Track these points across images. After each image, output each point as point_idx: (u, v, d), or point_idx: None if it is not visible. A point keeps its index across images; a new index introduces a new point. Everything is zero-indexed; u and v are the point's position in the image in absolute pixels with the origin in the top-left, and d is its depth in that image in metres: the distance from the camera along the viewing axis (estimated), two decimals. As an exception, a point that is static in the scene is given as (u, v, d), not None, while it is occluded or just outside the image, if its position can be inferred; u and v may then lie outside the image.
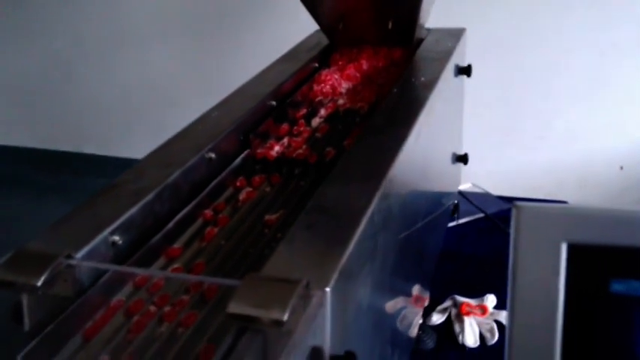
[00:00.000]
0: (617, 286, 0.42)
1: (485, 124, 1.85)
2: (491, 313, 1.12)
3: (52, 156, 2.56)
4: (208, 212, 0.66)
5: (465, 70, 1.04)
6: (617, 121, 1.77)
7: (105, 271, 0.53)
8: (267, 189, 0.72)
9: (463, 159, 1.08)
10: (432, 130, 0.81)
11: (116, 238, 0.55)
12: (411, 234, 0.73)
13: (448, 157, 1.03)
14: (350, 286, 0.50)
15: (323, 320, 0.44)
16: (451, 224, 1.39)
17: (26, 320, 0.49)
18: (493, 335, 1.08)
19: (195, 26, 2.15)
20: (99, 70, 2.35)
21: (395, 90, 0.81)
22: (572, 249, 0.43)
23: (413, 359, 1.06)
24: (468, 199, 1.34)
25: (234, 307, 0.42)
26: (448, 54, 0.94)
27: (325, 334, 0.45)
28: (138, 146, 0.65)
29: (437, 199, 0.95)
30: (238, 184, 0.72)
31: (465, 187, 1.57)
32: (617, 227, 0.42)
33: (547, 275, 0.43)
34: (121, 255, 0.56)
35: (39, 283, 0.47)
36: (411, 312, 0.75)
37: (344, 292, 0.48)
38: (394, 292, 0.66)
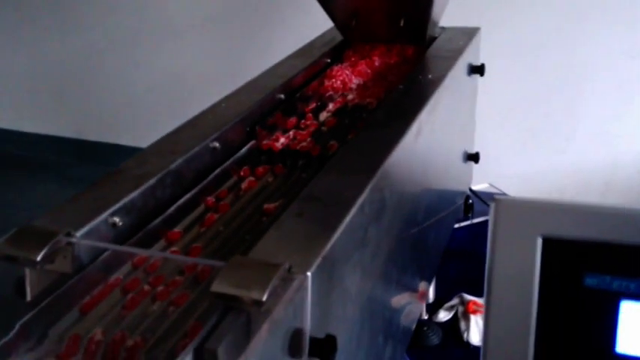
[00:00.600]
0: (591, 281, 0.42)
1: (509, 126, 1.84)
2: None
3: (81, 145, 2.63)
4: (210, 199, 0.68)
5: (478, 69, 1.04)
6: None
7: (103, 251, 0.55)
8: (270, 179, 0.73)
9: (474, 157, 1.09)
10: (436, 127, 0.82)
11: (116, 219, 0.57)
12: (410, 228, 0.74)
13: (458, 155, 1.04)
14: (335, 273, 0.51)
15: (303, 303, 0.46)
16: (465, 223, 1.40)
17: (28, 293, 0.52)
18: (498, 334, 1.09)
19: (224, 21, 2.18)
20: (129, 62, 2.40)
21: (401, 86, 0.82)
22: (547, 243, 0.43)
23: (417, 355, 1.07)
24: (480, 198, 1.34)
25: (218, 287, 0.44)
26: (459, 52, 0.95)
27: (305, 316, 0.46)
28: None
29: (443, 196, 0.95)
30: (242, 173, 0.74)
31: (481, 187, 1.57)
32: (591, 222, 0.42)
33: (523, 268, 0.44)
34: (121, 236, 0.58)
35: (38, 258, 0.49)
36: (409, 306, 0.76)
37: (327, 278, 0.49)
38: (388, 284, 0.67)
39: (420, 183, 0.78)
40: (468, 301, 1.14)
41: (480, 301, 1.14)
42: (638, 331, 0.42)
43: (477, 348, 1.08)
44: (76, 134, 2.65)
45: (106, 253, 0.55)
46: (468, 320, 1.11)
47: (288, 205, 0.67)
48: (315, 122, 0.84)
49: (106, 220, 0.57)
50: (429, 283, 1.04)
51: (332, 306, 0.51)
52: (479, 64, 1.04)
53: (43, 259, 0.50)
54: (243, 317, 0.44)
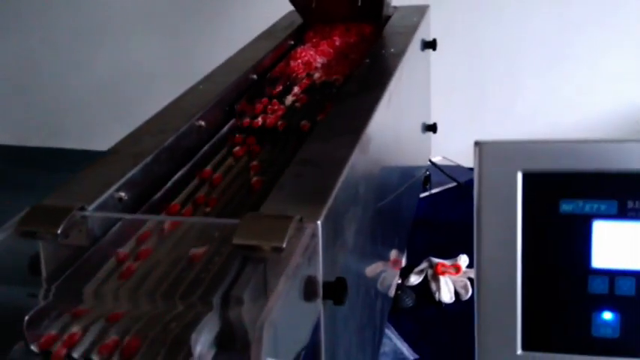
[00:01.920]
0: (566, 206, 0.49)
1: (454, 100, 1.93)
2: (465, 272, 1.20)
3: (23, 152, 2.56)
4: (207, 171, 0.72)
5: (431, 44, 1.10)
6: (583, 95, 1.86)
7: (114, 224, 0.58)
8: (252, 156, 0.78)
9: (432, 128, 1.15)
10: (401, 98, 0.87)
11: (122, 194, 0.60)
12: (387, 195, 0.80)
13: (418, 127, 1.10)
14: (337, 223, 0.56)
15: (316, 250, 0.50)
16: (424, 194, 1.47)
17: (43, 269, 0.55)
18: (467, 291, 1.16)
19: (168, 16, 2.18)
20: (71, 64, 2.36)
21: (367, 60, 0.87)
22: (526, 177, 0.50)
23: (395, 317, 1.13)
24: (439, 169, 1.41)
25: (238, 239, 0.48)
26: (414, 29, 1.01)
27: (318, 262, 0.51)
28: (115, 138, 0.69)
29: (410, 165, 1.02)
30: (227, 150, 0.78)
31: (435, 159, 1.65)
32: (564, 156, 0.49)
33: (506, 201, 0.50)
34: (127, 210, 0.61)
35: (59, 231, 0.52)
36: (389, 270, 0.82)
37: (333, 228, 0.54)
38: (375, 243, 0.73)
39: (392, 152, 0.84)
40: (437, 264, 1.21)
41: (448, 262, 1.21)
42: (609, 247, 0.49)
43: (448, 306, 1.15)
44: (17, 141, 2.58)
45: (116, 226, 0.58)
46: (437, 281, 1.18)
47: (276, 175, 0.71)
48: (285, 103, 0.89)
49: (112, 195, 0.60)
50: (404, 249, 1.11)
51: (338, 254, 0.56)
52: (431, 39, 1.11)
53: (62, 232, 0.52)
54: (262, 266, 0.48)
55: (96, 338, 0.48)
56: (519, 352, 0.50)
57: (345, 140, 0.63)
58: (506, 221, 0.50)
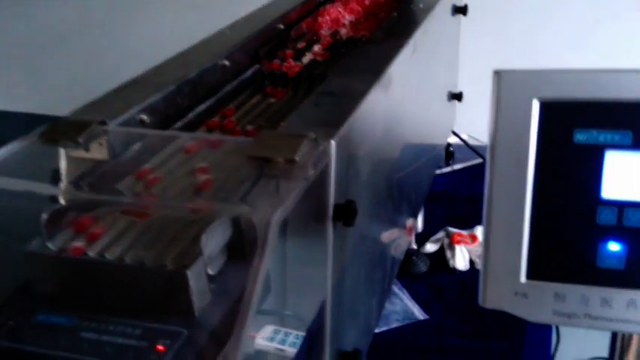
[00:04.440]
0: (580, 136, 0.49)
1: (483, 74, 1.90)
2: (481, 242, 1.19)
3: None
4: (230, 109, 0.73)
5: (462, 10, 1.10)
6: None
7: (134, 142, 0.59)
8: (273, 99, 0.79)
9: (458, 97, 1.15)
10: (426, 52, 0.88)
11: (144, 117, 0.62)
12: (405, 145, 0.80)
13: (444, 91, 1.10)
14: (352, 150, 0.56)
15: (328, 168, 0.51)
16: (446, 170, 1.47)
17: (64, 178, 0.56)
18: (482, 260, 1.16)
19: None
20: (105, 37, 2.39)
21: (394, 14, 0.88)
22: (542, 105, 0.50)
23: (408, 281, 1.14)
24: (465, 143, 1.41)
25: (253, 151, 0.49)
26: (445, -9, 1.01)
27: (330, 182, 0.52)
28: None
29: (433, 128, 1.02)
30: (250, 92, 0.79)
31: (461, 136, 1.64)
32: (581, 84, 0.49)
33: (521, 130, 0.50)
34: (148, 133, 0.62)
35: (80, 140, 0.54)
36: (401, 219, 0.82)
37: (346, 152, 0.55)
38: (390, 189, 0.73)
39: (414, 105, 0.84)
40: (453, 234, 1.21)
41: (465, 232, 1.21)
42: (620, 178, 0.49)
43: (462, 273, 1.15)
44: (51, 111, 2.62)
45: (137, 144, 0.59)
46: (453, 250, 1.18)
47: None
48: (308, 55, 0.89)
49: (134, 117, 0.61)
50: (420, 206, 1.10)
51: (350, 179, 0.57)
52: (462, 4, 1.11)
53: (84, 141, 0.54)
54: (275, 181, 0.49)
55: (113, 238, 0.50)
56: (523, 280, 0.51)
57: (365, 77, 0.64)
58: (519, 150, 0.50)
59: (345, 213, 0.53)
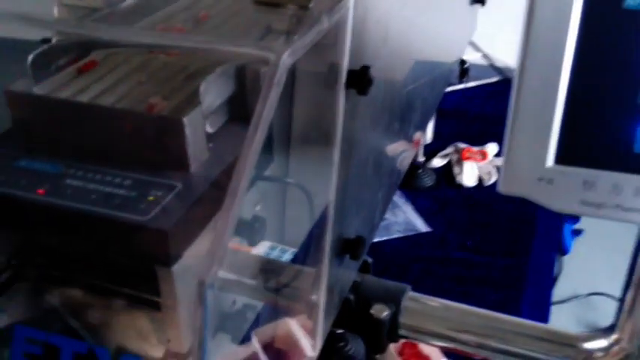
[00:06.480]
0: (631, 1, 0.43)
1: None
2: (491, 160, 1.15)
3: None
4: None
5: None
6: None
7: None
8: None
9: (481, 0, 1.08)
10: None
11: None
12: (421, 41, 0.74)
13: (466, -5, 1.03)
14: (369, 15, 0.51)
15: (345, 26, 0.46)
16: (459, 86, 1.41)
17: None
18: (490, 177, 1.12)
19: None
20: None
21: None
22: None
23: (413, 194, 1.10)
24: (486, 56, 1.34)
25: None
26: None
27: (345, 41, 0.46)
28: None
29: (451, 32, 0.95)
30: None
31: (474, 57, 1.57)
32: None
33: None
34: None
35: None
36: (413, 116, 0.77)
37: (363, 15, 0.49)
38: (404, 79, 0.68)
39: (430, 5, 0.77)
40: (463, 149, 1.16)
41: (475, 148, 1.17)
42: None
43: (468, 189, 1.11)
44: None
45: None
46: (461, 166, 1.14)
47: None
48: None
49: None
50: (433, 113, 1.05)
51: (366, 45, 0.51)
52: None
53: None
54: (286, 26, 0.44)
55: (108, 86, 0.45)
56: (550, 164, 0.46)
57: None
58: (560, 13, 0.45)
59: (360, 80, 0.48)
